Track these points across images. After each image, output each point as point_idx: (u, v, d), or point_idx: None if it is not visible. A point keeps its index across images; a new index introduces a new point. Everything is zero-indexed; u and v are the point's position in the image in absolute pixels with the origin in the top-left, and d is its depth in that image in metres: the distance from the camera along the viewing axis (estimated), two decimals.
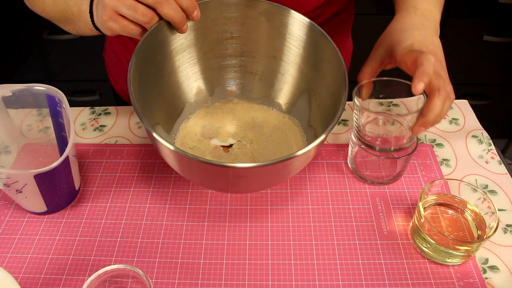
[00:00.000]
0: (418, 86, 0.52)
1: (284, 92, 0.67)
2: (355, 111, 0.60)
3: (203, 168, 0.50)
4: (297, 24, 0.61)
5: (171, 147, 0.48)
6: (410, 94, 0.54)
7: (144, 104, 0.56)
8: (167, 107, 0.64)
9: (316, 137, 0.62)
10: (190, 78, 0.66)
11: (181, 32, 0.59)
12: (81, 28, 0.65)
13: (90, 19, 0.61)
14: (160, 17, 0.56)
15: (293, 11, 0.61)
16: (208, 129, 0.66)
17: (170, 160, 0.53)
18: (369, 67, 0.60)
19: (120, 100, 0.92)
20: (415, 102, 0.61)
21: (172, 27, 0.58)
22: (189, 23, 0.60)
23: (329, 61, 0.59)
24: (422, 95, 0.58)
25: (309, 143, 0.63)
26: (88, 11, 0.61)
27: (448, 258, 0.55)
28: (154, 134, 0.49)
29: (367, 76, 0.60)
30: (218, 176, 0.52)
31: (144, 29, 0.56)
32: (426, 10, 0.60)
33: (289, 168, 0.53)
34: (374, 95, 0.62)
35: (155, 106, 0.60)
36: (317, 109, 0.63)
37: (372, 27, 1.48)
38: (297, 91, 0.65)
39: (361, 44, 1.54)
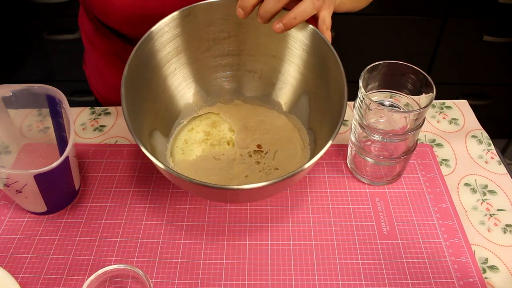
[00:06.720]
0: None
1: (285, 92, 0.66)
2: (357, 104, 0.59)
3: (199, 188, 0.49)
4: (299, 28, 0.59)
5: (163, 167, 0.48)
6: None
7: (140, 113, 0.56)
8: (165, 111, 0.64)
9: (316, 141, 0.62)
10: (187, 79, 0.65)
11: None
12: None
13: None
14: (149, 27, 0.55)
15: None
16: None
17: (167, 176, 0.52)
18: None
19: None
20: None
21: (164, 34, 0.57)
22: (183, 27, 0.60)
23: (331, 70, 0.57)
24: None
25: (310, 146, 0.63)
26: None
27: None
28: (151, 157, 0.48)
29: None
30: (215, 194, 0.52)
31: None
32: None
33: (292, 182, 0.52)
34: (376, 86, 0.61)
35: (152, 111, 0.60)
36: (317, 113, 0.62)
37: (372, 27, 1.49)
38: (297, 92, 0.65)
39: (361, 44, 1.55)
